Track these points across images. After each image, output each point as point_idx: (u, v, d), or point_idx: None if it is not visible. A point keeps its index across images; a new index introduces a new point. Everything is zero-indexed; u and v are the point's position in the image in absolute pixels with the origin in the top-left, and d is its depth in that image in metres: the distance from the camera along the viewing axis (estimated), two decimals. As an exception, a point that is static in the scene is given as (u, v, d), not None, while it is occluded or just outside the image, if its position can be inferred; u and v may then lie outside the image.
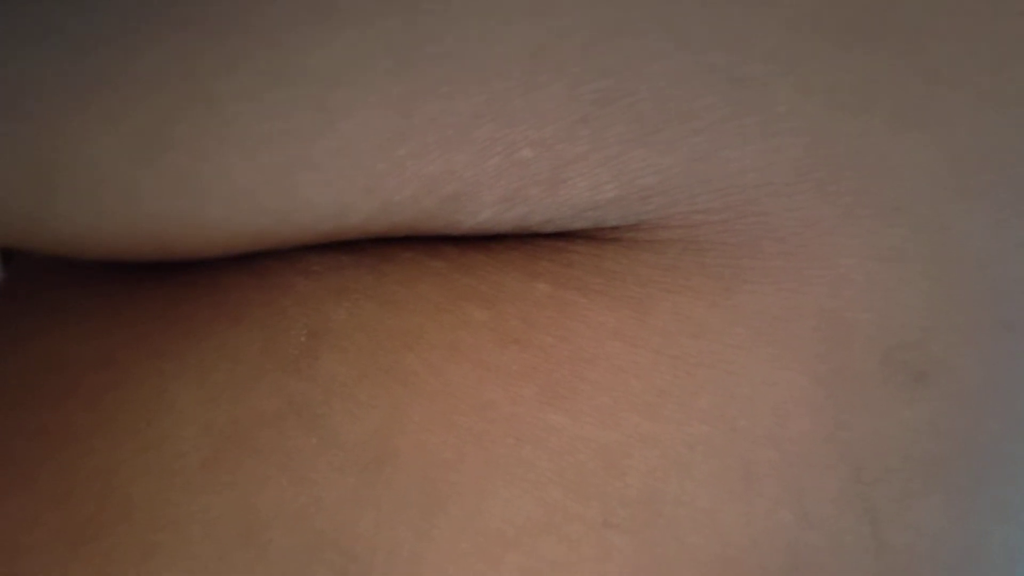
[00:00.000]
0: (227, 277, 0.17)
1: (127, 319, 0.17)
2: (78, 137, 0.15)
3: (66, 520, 0.15)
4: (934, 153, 0.15)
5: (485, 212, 0.16)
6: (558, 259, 0.16)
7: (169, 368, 0.16)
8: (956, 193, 0.16)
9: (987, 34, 0.15)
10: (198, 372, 0.16)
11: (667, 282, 0.16)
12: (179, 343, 0.16)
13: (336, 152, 0.15)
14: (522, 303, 0.16)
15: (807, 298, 0.16)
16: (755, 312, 0.16)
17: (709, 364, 0.15)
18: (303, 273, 0.17)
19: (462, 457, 0.15)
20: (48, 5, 0.14)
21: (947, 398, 0.16)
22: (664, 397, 0.15)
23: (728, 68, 0.15)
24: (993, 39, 0.15)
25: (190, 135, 0.15)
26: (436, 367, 0.15)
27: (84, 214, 0.16)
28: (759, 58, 0.15)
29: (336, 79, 0.15)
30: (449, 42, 0.14)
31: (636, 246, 0.16)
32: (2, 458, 0.16)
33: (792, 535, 0.15)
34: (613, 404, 0.15)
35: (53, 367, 0.16)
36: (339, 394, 0.15)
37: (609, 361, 0.15)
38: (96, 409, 0.16)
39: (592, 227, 0.16)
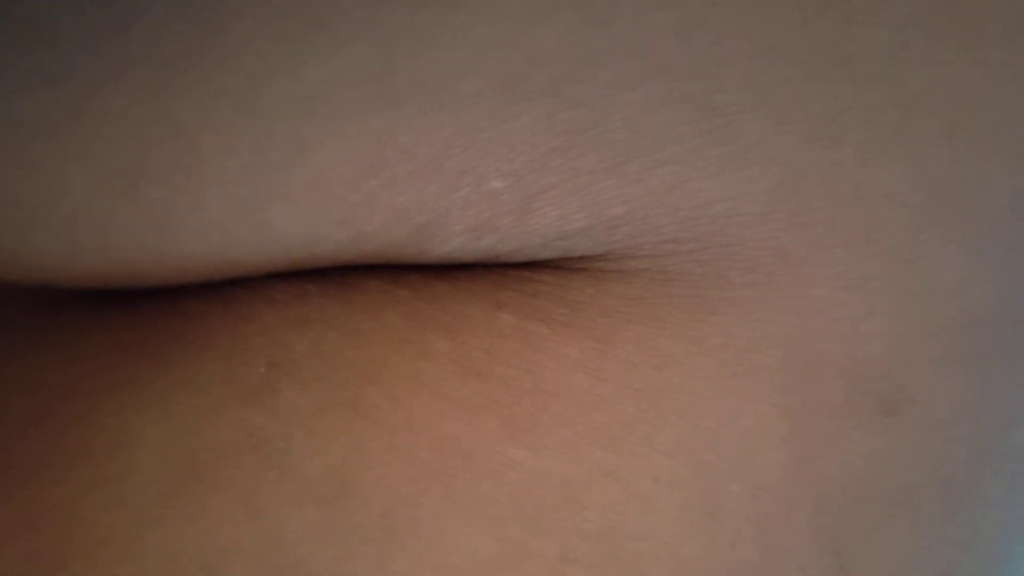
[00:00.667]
0: (194, 304, 0.17)
1: (95, 347, 0.17)
2: (52, 173, 0.15)
3: (25, 553, 0.15)
4: (905, 183, 0.15)
5: (454, 241, 0.16)
6: (524, 289, 0.16)
7: (132, 400, 0.16)
8: (927, 223, 0.15)
9: (960, 63, 0.15)
10: (161, 404, 0.16)
11: (632, 313, 0.16)
12: (144, 374, 0.16)
13: (310, 184, 0.15)
14: (485, 334, 0.16)
15: (775, 329, 0.16)
16: (721, 344, 0.15)
17: (674, 396, 0.15)
18: (266, 301, 0.16)
19: (421, 492, 0.15)
20: (23, 42, 0.14)
21: (915, 429, 0.16)
22: (627, 430, 0.15)
23: (700, 97, 0.15)
24: (966, 68, 0.15)
25: (165, 170, 0.15)
26: (397, 399, 0.15)
27: (58, 247, 0.16)
28: (731, 88, 0.15)
29: (310, 112, 0.14)
30: (421, 74, 0.14)
31: (603, 276, 0.16)
32: None
33: (755, 569, 0.15)
34: (575, 437, 0.15)
35: (21, 396, 0.16)
36: (299, 427, 0.15)
37: (572, 394, 0.15)
38: (60, 441, 0.16)
39: (560, 257, 0.16)
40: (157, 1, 0.14)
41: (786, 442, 0.15)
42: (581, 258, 0.16)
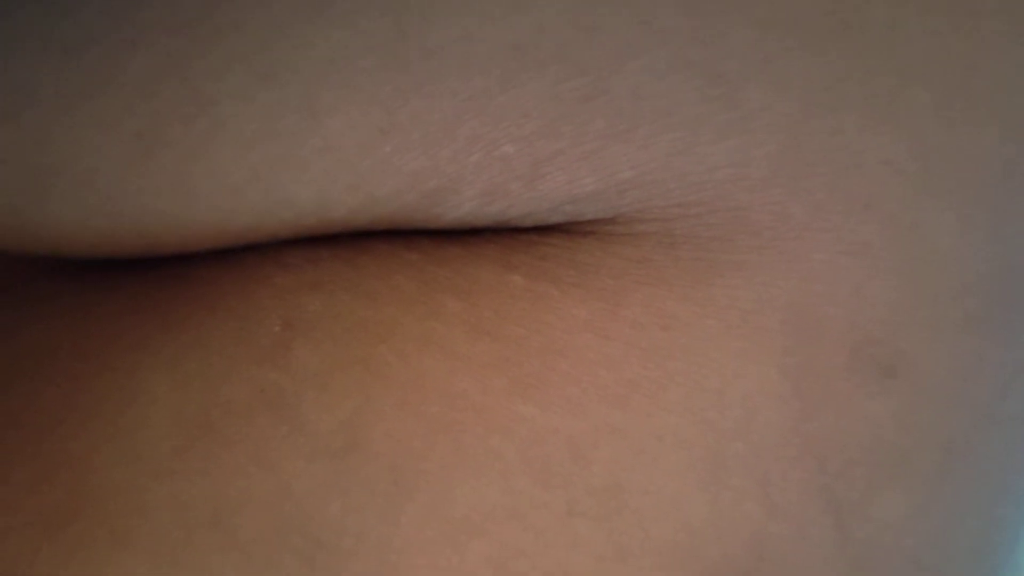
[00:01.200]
0: (204, 270, 0.17)
1: (105, 313, 0.17)
2: (71, 141, 0.15)
3: (40, 505, 0.15)
4: (902, 150, 0.16)
5: (465, 206, 0.16)
6: (533, 252, 0.16)
7: (144, 359, 0.16)
8: (924, 190, 0.16)
9: (958, 33, 0.15)
10: (172, 362, 0.16)
11: (640, 275, 0.16)
12: (155, 335, 0.16)
13: (323, 150, 0.15)
14: (496, 295, 0.16)
15: (778, 292, 0.16)
16: (726, 305, 0.16)
17: (679, 356, 0.16)
18: (280, 266, 0.17)
19: (431, 446, 0.15)
20: (40, 11, 0.14)
21: (912, 392, 0.16)
22: (633, 388, 0.15)
23: (704, 65, 0.15)
24: (963, 37, 0.15)
25: (182, 137, 0.15)
26: (408, 357, 0.16)
27: (73, 215, 0.16)
28: (735, 55, 0.15)
29: (324, 79, 0.15)
30: (433, 41, 0.15)
31: (611, 239, 0.16)
32: None
33: (757, 526, 0.16)
34: (582, 395, 0.15)
35: (32, 358, 0.16)
36: (311, 384, 0.15)
37: (580, 353, 0.16)
38: (71, 399, 0.16)
39: (569, 221, 0.16)
40: None
41: (787, 402, 0.16)
42: (590, 222, 0.16)
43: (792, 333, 0.16)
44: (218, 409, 0.15)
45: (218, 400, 0.15)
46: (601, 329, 0.16)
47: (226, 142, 0.15)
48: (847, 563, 0.16)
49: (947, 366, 0.16)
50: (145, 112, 0.15)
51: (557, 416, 0.15)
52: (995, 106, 0.16)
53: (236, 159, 0.15)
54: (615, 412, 0.15)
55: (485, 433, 0.15)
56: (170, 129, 0.15)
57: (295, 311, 0.16)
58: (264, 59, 0.15)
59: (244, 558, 0.14)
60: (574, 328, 0.16)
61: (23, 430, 0.16)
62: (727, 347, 0.16)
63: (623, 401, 0.15)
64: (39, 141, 0.15)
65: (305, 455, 0.15)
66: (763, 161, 0.16)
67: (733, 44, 0.15)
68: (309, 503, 0.15)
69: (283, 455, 0.15)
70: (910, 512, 0.17)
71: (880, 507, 0.16)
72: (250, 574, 0.14)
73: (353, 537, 0.15)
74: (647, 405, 0.15)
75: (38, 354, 0.16)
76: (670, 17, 0.15)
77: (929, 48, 0.15)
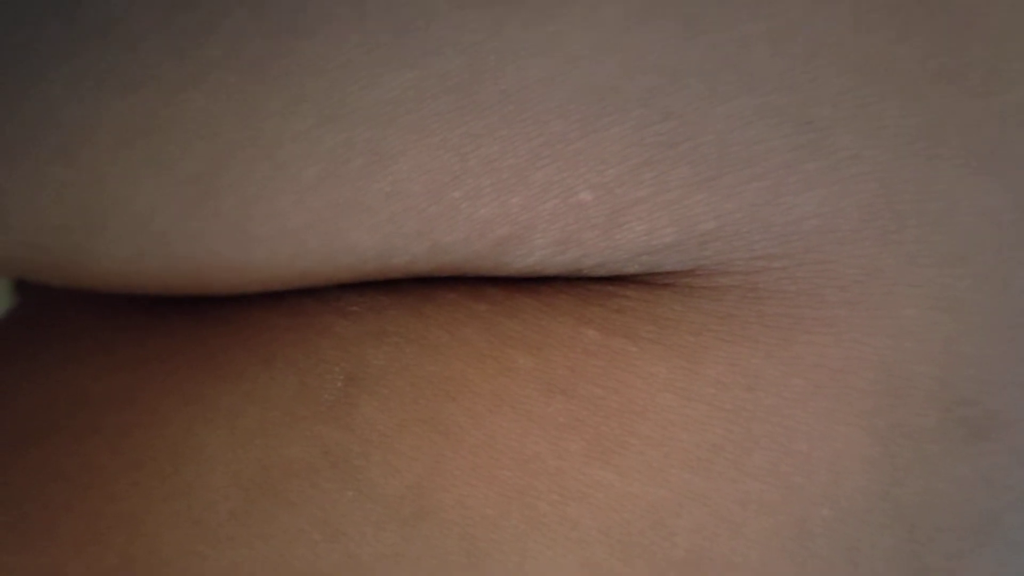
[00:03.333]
0: (259, 314, 0.16)
1: (150, 354, 0.16)
2: (126, 181, 0.15)
3: (89, 570, 0.14)
4: (1001, 200, 0.15)
5: (537, 255, 0.15)
6: (609, 304, 0.16)
7: (197, 411, 0.15)
8: (1021, 243, 0.15)
9: None
10: (228, 416, 0.15)
11: (723, 331, 0.15)
12: (208, 385, 0.15)
13: (388, 195, 0.15)
14: (570, 350, 0.15)
15: (867, 349, 0.15)
16: (814, 364, 0.15)
17: (764, 418, 0.15)
18: (340, 313, 0.16)
19: (504, 513, 0.14)
20: (99, 47, 0.14)
21: (1004, 453, 0.16)
22: (716, 453, 0.15)
23: (793, 111, 0.14)
24: None
25: (241, 179, 0.15)
26: (479, 417, 0.15)
27: (125, 255, 0.15)
28: (825, 101, 0.14)
29: (392, 120, 0.14)
30: (509, 82, 0.14)
31: (691, 293, 0.15)
32: (23, 500, 0.15)
33: None
34: (663, 460, 0.15)
35: (74, 403, 0.16)
36: (377, 444, 0.15)
37: (660, 414, 0.15)
38: (120, 451, 0.15)
39: (646, 272, 0.16)
40: (241, 4, 0.14)
41: (877, 466, 0.15)
42: (669, 273, 0.16)
43: (882, 393, 0.15)
44: (279, 470, 0.14)
45: (279, 460, 0.15)
46: (682, 389, 0.15)
47: (288, 186, 0.15)
48: None
49: None
50: (204, 153, 0.14)
51: (637, 482, 0.15)
52: None
53: (297, 203, 0.15)
54: (697, 478, 0.15)
55: (561, 500, 0.14)
56: (229, 172, 0.14)
57: (359, 365, 0.15)
58: (331, 100, 0.14)
59: None
60: (654, 388, 0.15)
61: (69, 484, 0.15)
62: (815, 408, 0.15)
63: (706, 466, 0.15)
64: (95, 180, 0.15)
65: (373, 522, 0.14)
66: (853, 212, 0.15)
67: (823, 89, 0.14)
68: (377, 573, 0.14)
69: (350, 521, 0.14)
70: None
71: (970, 572, 0.16)
72: None
73: None
74: (731, 470, 0.15)
75: (82, 399, 0.16)
76: (759, 61, 0.14)
77: None
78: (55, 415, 0.16)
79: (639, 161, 0.15)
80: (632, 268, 0.16)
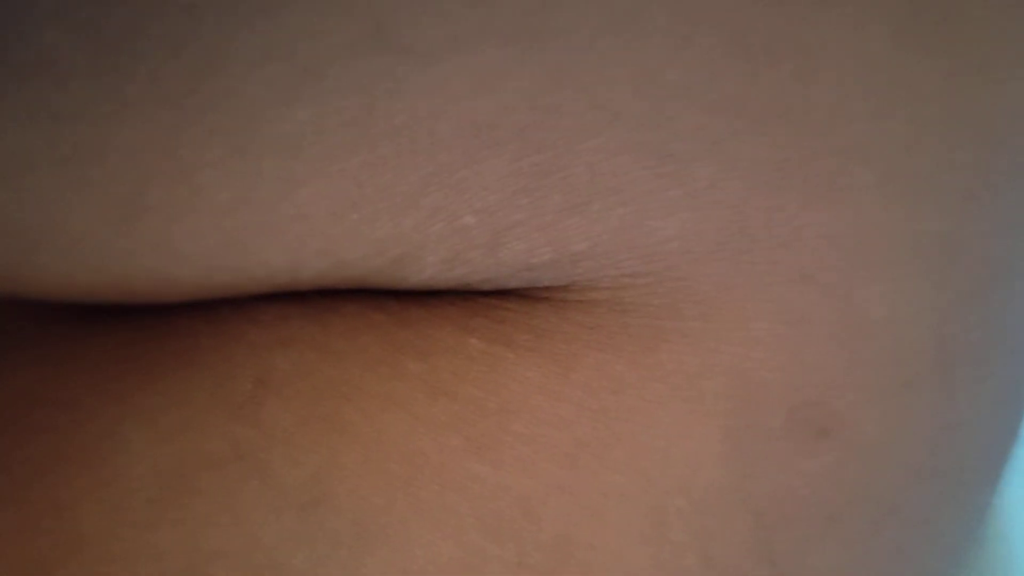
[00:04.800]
0: (181, 321, 0.18)
1: (88, 362, 0.18)
2: (57, 201, 0.16)
3: (23, 554, 0.16)
4: (842, 226, 0.16)
5: (428, 271, 0.17)
6: (492, 316, 0.17)
7: (124, 410, 0.17)
8: (860, 264, 0.17)
9: (895, 117, 0.16)
10: (151, 414, 0.17)
11: (592, 340, 0.17)
12: (134, 387, 0.17)
13: (295, 217, 0.16)
14: (454, 357, 0.17)
15: (721, 358, 0.17)
16: (672, 370, 0.17)
17: (627, 418, 0.17)
18: (253, 322, 0.18)
19: (391, 502, 0.16)
20: (34, 80, 0.15)
21: (846, 451, 0.17)
22: (582, 448, 0.16)
23: (656, 145, 0.16)
24: (900, 122, 0.16)
25: (162, 202, 0.16)
26: (371, 416, 0.16)
27: (62, 269, 0.17)
28: (684, 137, 0.16)
29: (296, 151, 0.16)
30: (400, 119, 0.15)
31: (565, 305, 0.17)
32: None
33: None
34: (533, 455, 0.16)
35: (18, 406, 0.17)
36: (280, 440, 0.16)
37: (532, 414, 0.17)
38: (56, 448, 0.17)
39: (526, 286, 0.17)
40: (159, 46, 0.15)
41: (728, 462, 0.17)
42: (546, 288, 0.17)
43: (734, 396, 0.17)
44: (193, 463, 0.16)
45: (194, 454, 0.16)
46: (553, 392, 0.17)
47: (204, 208, 0.16)
48: None
49: (880, 426, 0.17)
50: (129, 179, 0.16)
51: (509, 474, 0.16)
52: (931, 185, 0.17)
53: (213, 224, 0.16)
54: (564, 471, 0.16)
55: (441, 490, 0.16)
56: (152, 195, 0.16)
57: (267, 369, 0.17)
58: (241, 133, 0.15)
59: None
60: (528, 390, 0.17)
61: (11, 478, 0.17)
62: (673, 409, 0.17)
63: (572, 460, 0.16)
64: (27, 201, 0.16)
65: (274, 508, 0.16)
66: (709, 235, 0.16)
67: (682, 126, 0.16)
68: (277, 553, 0.16)
69: (253, 507, 0.16)
70: (844, 564, 0.18)
71: (816, 559, 0.17)
72: None
73: None
74: (594, 464, 0.16)
75: (25, 401, 0.17)
76: (624, 101, 0.16)
77: (870, 130, 0.16)
78: (7, 417, 0.17)
79: (516, 188, 0.16)
80: (514, 283, 0.17)
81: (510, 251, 0.17)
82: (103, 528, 0.16)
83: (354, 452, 0.16)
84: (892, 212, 0.17)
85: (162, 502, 0.16)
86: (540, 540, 0.16)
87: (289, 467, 0.16)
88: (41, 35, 0.15)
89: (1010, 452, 0.20)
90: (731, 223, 0.16)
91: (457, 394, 0.17)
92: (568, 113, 0.16)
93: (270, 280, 0.17)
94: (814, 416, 0.17)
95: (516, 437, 0.16)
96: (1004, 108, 0.17)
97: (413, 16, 0.15)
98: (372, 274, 0.17)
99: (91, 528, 0.16)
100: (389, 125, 0.16)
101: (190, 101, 0.15)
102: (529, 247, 0.17)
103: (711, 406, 0.17)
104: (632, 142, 0.16)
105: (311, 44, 0.15)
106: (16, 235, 0.16)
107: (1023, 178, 0.17)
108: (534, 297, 0.17)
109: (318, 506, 0.16)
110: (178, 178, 0.16)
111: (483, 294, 0.18)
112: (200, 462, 0.16)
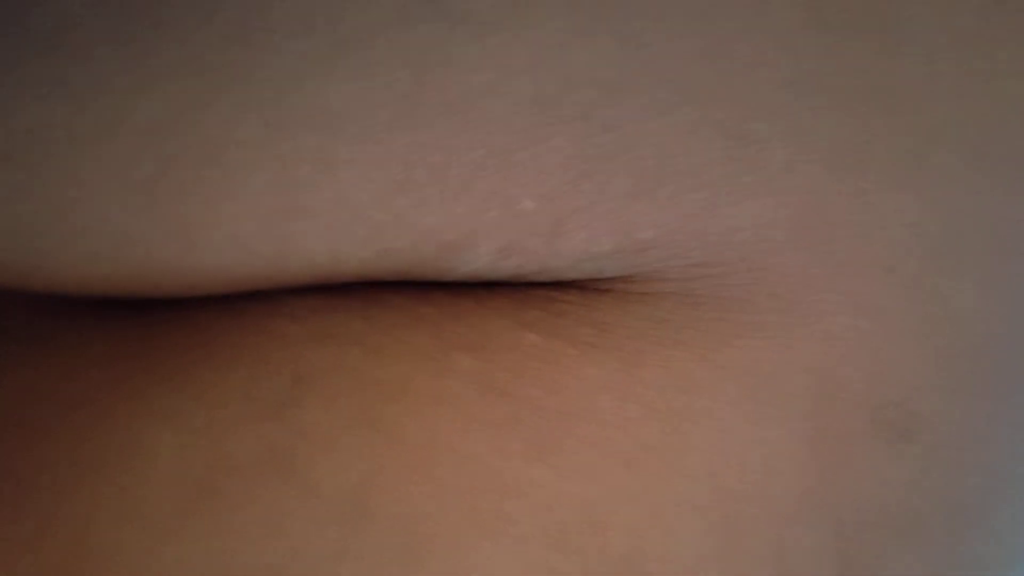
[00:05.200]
0: (206, 317, 0.16)
1: (103, 357, 0.16)
2: (72, 183, 0.15)
3: (38, 565, 0.14)
4: (926, 213, 0.16)
5: (481, 261, 0.16)
6: (549, 309, 0.16)
7: (143, 410, 0.15)
8: (945, 254, 0.16)
9: (983, 95, 0.15)
10: (176, 417, 0.15)
11: (659, 335, 0.16)
12: (154, 384, 0.16)
13: (335, 202, 0.15)
14: (510, 353, 0.16)
15: (797, 355, 0.16)
16: (746, 368, 0.16)
17: (698, 420, 0.15)
18: (288, 317, 0.16)
19: (443, 510, 0.15)
20: (50, 57, 0.14)
21: (928, 456, 0.16)
22: (650, 453, 0.15)
23: (730, 125, 0.15)
24: (989, 100, 0.15)
25: (189, 185, 0.15)
26: (420, 418, 0.15)
27: (74, 260, 0.16)
28: (761, 116, 0.15)
29: (340, 129, 0.14)
30: (454, 94, 0.14)
31: (629, 298, 0.16)
32: None
33: None
34: (598, 459, 0.15)
35: (27, 406, 0.16)
36: (321, 445, 0.15)
37: (596, 415, 0.15)
38: (70, 451, 0.15)
39: (585, 278, 0.16)
40: (188, 13, 0.14)
41: (806, 468, 0.16)
42: (607, 279, 0.16)
43: (811, 397, 0.16)
44: (224, 468, 0.15)
45: (224, 459, 0.15)
46: (618, 391, 0.15)
47: (236, 192, 0.15)
48: None
49: (963, 430, 0.16)
50: (153, 159, 0.15)
51: (573, 481, 0.15)
52: (1020, 171, 0.16)
53: (246, 210, 0.15)
54: (632, 477, 0.15)
55: (499, 498, 0.15)
56: (178, 177, 0.15)
57: (304, 366, 0.15)
58: (278, 109, 0.14)
59: None
60: (591, 389, 0.15)
61: (16, 484, 0.15)
62: (747, 410, 0.15)
63: (640, 466, 0.15)
64: (46, 184, 0.15)
65: (315, 520, 0.15)
66: (785, 222, 0.15)
67: (759, 104, 0.15)
68: (319, 570, 0.14)
69: (292, 519, 0.15)
70: (923, 574, 0.16)
71: (894, 570, 0.16)
72: None
73: None
74: (664, 470, 0.15)
75: (32, 400, 0.16)
76: (696, 77, 0.15)
77: (959, 110, 0.15)
78: (7, 417, 0.16)
79: (579, 172, 0.15)
80: (572, 274, 0.16)
81: (571, 239, 0.15)
82: (122, 541, 0.14)
83: (402, 457, 0.15)
84: (978, 199, 0.16)
85: (188, 512, 0.15)
86: (607, 552, 0.15)
87: (331, 474, 0.15)
88: (58, 0, 0.14)
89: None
90: (809, 210, 0.15)
91: (514, 394, 0.15)
92: (635, 89, 0.15)
93: (307, 271, 0.16)
94: (896, 418, 0.16)
95: (579, 440, 0.15)
96: None
97: None
98: (419, 264, 0.16)
99: (108, 541, 0.14)
100: (441, 101, 0.14)
101: (221, 73, 0.14)
102: (591, 235, 0.15)
103: (788, 408, 0.16)
104: (704, 121, 0.15)
105: (357, 11, 0.14)
106: (28, 220, 0.15)
107: None
108: (595, 289, 0.16)
109: (364, 517, 0.15)
110: (206, 158, 0.15)
111: (539, 286, 0.16)
112: (231, 468, 0.15)
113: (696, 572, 0.15)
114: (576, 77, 0.14)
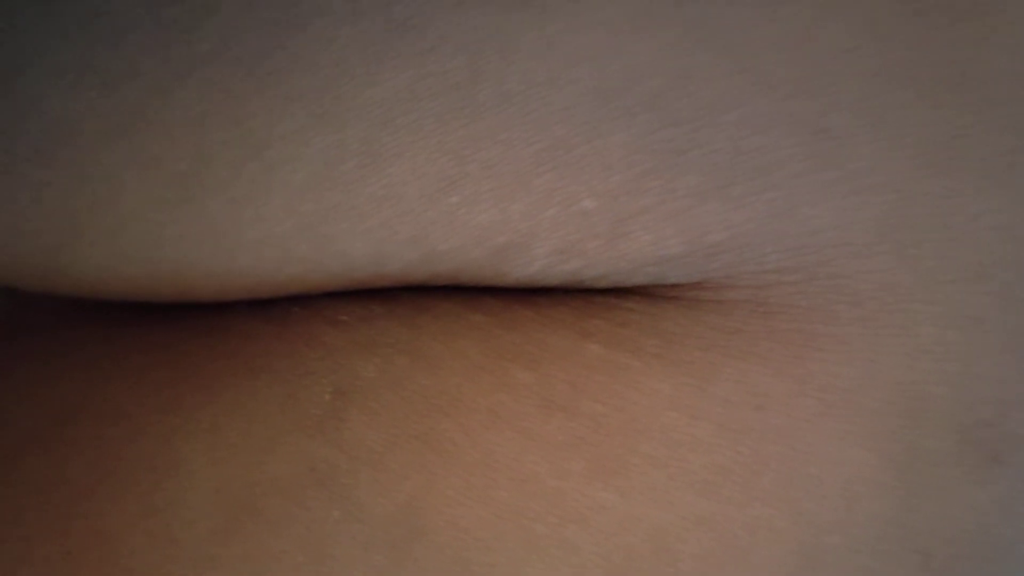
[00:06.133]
0: (243, 323, 0.16)
1: (135, 366, 0.15)
2: (105, 179, 0.14)
3: None
4: (1020, 217, 0.14)
5: (536, 264, 0.15)
6: (611, 318, 0.15)
7: (177, 423, 0.14)
8: None
9: None
10: (211, 430, 0.14)
11: (731, 347, 0.15)
12: (188, 396, 0.15)
13: (383, 199, 0.14)
14: (570, 365, 0.15)
15: (882, 369, 0.14)
16: (826, 383, 0.14)
17: (774, 439, 0.14)
18: (330, 323, 0.15)
19: (499, 536, 0.14)
20: (81, 42, 0.13)
21: (1020, 479, 0.15)
22: (724, 475, 0.14)
23: (808, 118, 0.14)
24: None
25: (227, 181, 0.14)
26: (474, 434, 0.14)
27: (105, 259, 0.15)
28: (842, 109, 0.14)
29: (387, 120, 0.14)
30: (510, 85, 0.13)
31: (698, 306, 0.15)
32: (5, 515, 0.14)
33: None
34: (668, 481, 0.14)
35: (53, 417, 0.15)
36: (366, 462, 0.14)
37: (665, 433, 0.14)
38: (98, 466, 0.14)
39: (650, 284, 0.15)
40: None
41: (891, 492, 0.14)
42: (674, 286, 0.15)
43: (897, 414, 0.14)
44: (263, 487, 0.14)
45: (263, 477, 0.14)
46: (688, 407, 0.14)
47: (276, 189, 0.14)
48: None
49: None
50: (189, 153, 0.14)
51: (640, 504, 0.14)
52: None
53: (286, 207, 0.14)
54: (703, 501, 0.14)
55: (559, 522, 0.14)
56: (215, 173, 0.14)
57: (348, 377, 0.15)
58: (323, 99, 0.13)
59: None
60: (658, 406, 0.14)
61: (48, 502, 0.14)
62: (826, 429, 0.14)
63: (712, 489, 0.14)
64: (74, 180, 0.14)
65: (361, 543, 0.14)
66: (869, 224, 0.14)
67: (840, 96, 0.14)
68: None
69: (336, 543, 0.14)
70: None
71: None
72: None
73: None
74: (738, 494, 0.14)
75: (62, 414, 0.15)
76: (771, 66, 0.14)
77: None
78: (33, 430, 0.15)
79: (645, 168, 0.14)
80: (636, 280, 0.15)
81: (635, 242, 0.14)
82: (155, 564, 0.14)
83: (455, 477, 0.14)
84: None
85: (226, 534, 0.14)
86: None
87: (378, 494, 0.14)
88: None
89: None
90: (895, 211, 0.14)
91: (575, 410, 0.14)
92: (708, 79, 0.14)
93: (349, 274, 0.15)
94: (987, 438, 0.15)
95: (647, 460, 0.14)
96: None
97: None
98: (469, 268, 0.15)
99: (141, 564, 0.14)
100: (497, 92, 0.14)
101: (264, 63, 0.13)
102: (657, 237, 0.14)
103: (870, 426, 0.14)
104: (781, 114, 0.14)
105: None
106: (57, 218, 0.14)
107: None
108: (660, 296, 0.15)
109: (414, 541, 0.14)
110: (246, 153, 0.14)
111: (600, 292, 0.15)
112: (270, 487, 0.14)
113: None
114: (642, 67, 0.13)
